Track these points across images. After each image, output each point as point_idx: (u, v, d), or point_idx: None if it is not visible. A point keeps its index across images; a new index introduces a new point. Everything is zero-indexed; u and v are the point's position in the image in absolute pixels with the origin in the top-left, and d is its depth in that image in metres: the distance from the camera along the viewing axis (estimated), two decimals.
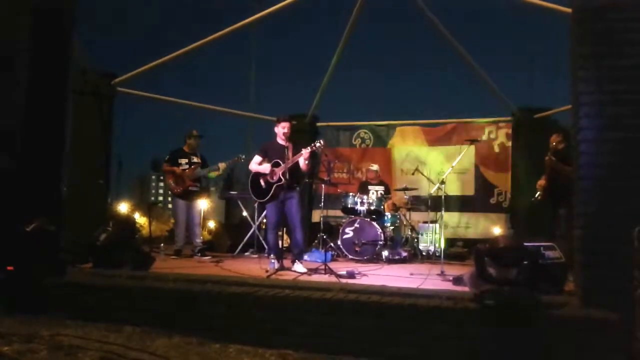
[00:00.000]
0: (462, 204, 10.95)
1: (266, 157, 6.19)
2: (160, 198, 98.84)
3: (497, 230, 10.60)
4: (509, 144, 10.95)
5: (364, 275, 5.81)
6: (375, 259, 7.76)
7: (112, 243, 5.15)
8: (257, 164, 6.22)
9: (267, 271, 5.72)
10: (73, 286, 4.50)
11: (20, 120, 5.00)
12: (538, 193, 7.17)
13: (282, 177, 5.94)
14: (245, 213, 8.46)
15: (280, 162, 6.01)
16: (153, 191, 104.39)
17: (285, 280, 4.95)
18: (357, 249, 7.82)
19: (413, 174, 9.95)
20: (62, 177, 5.43)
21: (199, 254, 7.54)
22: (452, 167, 7.37)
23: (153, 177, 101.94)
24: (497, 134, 11.12)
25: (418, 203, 9.81)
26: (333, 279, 5.25)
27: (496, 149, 11.06)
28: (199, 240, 7.72)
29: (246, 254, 8.21)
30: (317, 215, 10.49)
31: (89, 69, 8.63)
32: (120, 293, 4.40)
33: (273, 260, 6.08)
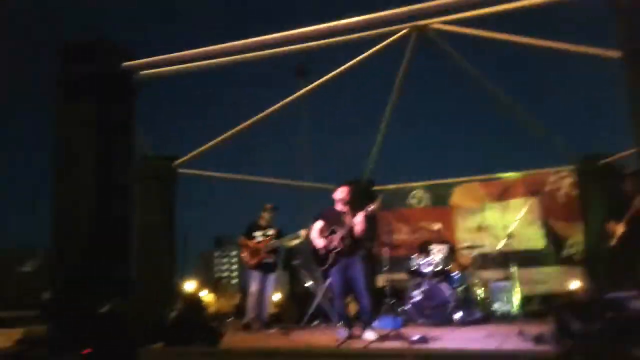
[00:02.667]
0: (532, 258, 10.46)
1: (326, 224, 6.19)
2: (225, 274, 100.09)
3: (574, 284, 10.01)
4: (574, 192, 10.54)
5: (437, 339, 5.56)
6: (447, 322, 7.43)
7: (181, 321, 5.21)
8: (318, 230, 6.20)
9: (337, 340, 5.58)
10: None
11: (89, 209, 5.25)
12: (613, 239, 6.80)
13: (340, 243, 5.91)
14: (309, 283, 8.37)
15: (336, 230, 5.99)
16: (216, 267, 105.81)
17: (356, 349, 4.81)
18: (426, 312, 7.54)
19: (478, 231, 9.67)
20: (131, 259, 5.61)
21: (267, 327, 7.48)
22: (516, 220, 7.11)
23: (216, 253, 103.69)
24: (560, 184, 10.75)
25: (486, 261, 9.47)
26: (405, 345, 5.06)
27: (561, 199, 10.66)
28: (266, 312, 7.69)
29: (314, 323, 8.07)
30: (381, 280, 10.29)
31: (149, 154, 9.05)
32: None
33: (342, 329, 5.93)
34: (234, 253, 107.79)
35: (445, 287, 7.62)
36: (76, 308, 4.80)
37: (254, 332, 7.33)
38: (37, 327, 8.23)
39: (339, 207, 6.22)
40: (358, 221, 5.88)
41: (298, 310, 8.61)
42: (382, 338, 5.48)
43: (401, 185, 12.20)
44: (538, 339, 4.86)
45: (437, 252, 8.35)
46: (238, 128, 8.99)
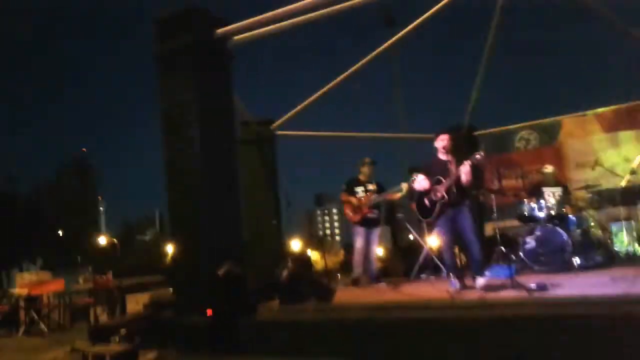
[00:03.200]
0: None
1: (429, 175, 6.00)
2: (328, 232, 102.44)
3: None
4: None
5: (557, 285, 5.27)
6: (566, 268, 7.03)
7: (293, 279, 5.32)
8: (422, 181, 6.02)
9: (449, 292, 5.47)
10: (265, 324, 4.71)
11: (199, 175, 5.46)
12: None
13: (446, 194, 5.71)
14: (412, 236, 8.26)
15: (442, 179, 5.78)
16: (320, 225, 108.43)
17: (472, 299, 4.68)
18: (542, 259, 7.17)
19: (593, 168, 8.97)
20: (241, 221, 5.80)
21: (376, 281, 7.51)
22: None
23: (318, 212, 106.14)
24: None
25: (604, 200, 8.80)
26: (523, 293, 4.84)
27: None
28: (375, 266, 7.70)
29: (422, 276, 7.98)
30: (489, 228, 9.94)
31: (249, 119, 9.25)
32: (309, 327, 4.49)
33: (453, 280, 5.80)
34: (335, 210, 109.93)
35: (561, 231, 7.18)
36: (195, 272, 5.05)
37: (363, 287, 7.39)
38: (163, 292, 8.92)
39: (442, 155, 6.00)
40: (464, 170, 5.64)
41: (403, 263, 8.56)
42: (498, 287, 5.28)
43: (505, 128, 11.58)
44: None
45: (551, 195, 7.86)
46: (330, 85, 8.94)
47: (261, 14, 5.81)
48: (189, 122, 5.53)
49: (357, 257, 7.60)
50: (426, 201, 5.88)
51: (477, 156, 5.66)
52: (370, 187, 7.71)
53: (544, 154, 10.71)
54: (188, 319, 5.00)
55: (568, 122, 10.83)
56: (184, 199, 5.58)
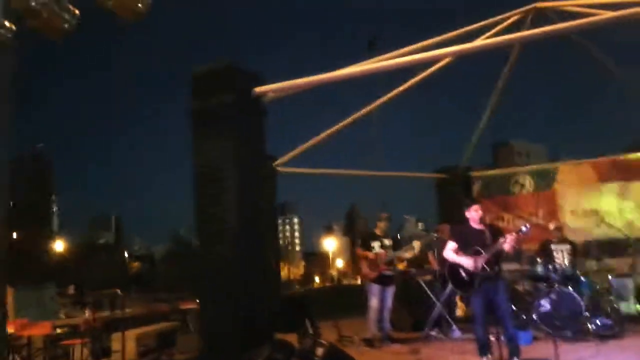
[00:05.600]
0: None
1: (460, 243, 5.79)
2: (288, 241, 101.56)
3: None
4: None
5: None
6: (582, 333, 6.96)
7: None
8: (453, 251, 5.81)
9: None
10: None
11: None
12: None
13: (486, 266, 5.52)
14: (427, 291, 8.03)
15: (481, 250, 5.58)
16: (280, 235, 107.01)
17: None
18: (557, 323, 7.06)
19: (599, 225, 9.02)
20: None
21: (389, 341, 7.27)
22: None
23: (279, 220, 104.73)
24: None
25: (599, 250, 8.86)
26: None
27: None
28: (388, 325, 7.45)
29: (432, 333, 7.78)
30: None
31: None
32: None
33: (486, 357, 5.58)
34: (295, 220, 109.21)
35: (576, 295, 7.12)
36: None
37: (378, 348, 7.14)
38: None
39: (476, 225, 5.81)
40: (510, 242, 5.47)
41: (411, 317, 8.35)
42: None
43: (504, 171, 11.63)
44: None
45: (560, 254, 7.81)
46: (329, 131, 9.02)
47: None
48: (226, 177, 5.29)
49: (372, 316, 7.31)
50: (462, 273, 5.65)
51: (524, 229, 5.51)
52: (387, 242, 7.48)
53: (540, 199, 10.77)
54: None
55: (564, 168, 10.92)
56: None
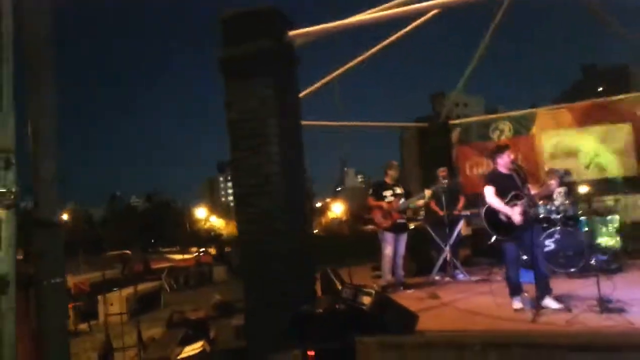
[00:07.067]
0: (626, 186, 10.21)
1: (497, 188, 5.74)
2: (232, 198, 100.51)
3: None
4: None
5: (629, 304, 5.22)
6: (586, 269, 7.23)
7: (380, 307, 4.88)
8: (493, 195, 5.72)
9: (516, 310, 5.45)
10: None
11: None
12: None
13: (524, 215, 5.50)
14: (434, 237, 8.08)
15: (520, 194, 5.57)
16: (223, 192, 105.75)
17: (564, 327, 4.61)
18: (562, 261, 7.35)
19: (588, 167, 9.32)
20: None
21: (403, 287, 7.32)
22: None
23: (221, 179, 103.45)
24: None
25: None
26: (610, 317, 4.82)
27: None
28: (402, 273, 7.48)
29: (437, 277, 7.90)
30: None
31: None
32: None
33: (516, 298, 5.66)
34: None
35: (580, 233, 7.40)
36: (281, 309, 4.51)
37: (392, 294, 7.14)
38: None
39: (506, 170, 5.77)
40: (554, 186, 5.55)
41: (413, 263, 8.43)
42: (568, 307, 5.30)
43: (480, 118, 11.77)
44: None
45: (560, 196, 8.01)
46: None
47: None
48: (268, 126, 4.95)
49: (387, 264, 7.30)
50: (503, 217, 5.63)
51: (566, 173, 5.54)
52: (399, 190, 7.41)
53: (519, 144, 11.01)
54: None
55: (542, 114, 11.17)
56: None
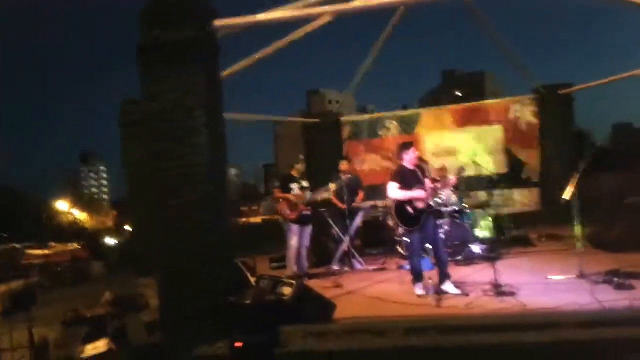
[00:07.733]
0: (498, 181, 11.29)
1: (402, 184, 6.10)
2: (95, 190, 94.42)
3: None
4: (536, 121, 11.38)
5: (517, 287, 5.74)
6: (471, 257, 7.93)
7: (300, 298, 4.98)
8: (397, 190, 6.07)
9: (419, 296, 5.85)
10: (301, 355, 4.38)
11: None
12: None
13: (427, 204, 5.97)
14: (335, 229, 8.34)
15: (422, 188, 5.99)
16: (85, 184, 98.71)
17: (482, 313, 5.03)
18: (449, 250, 7.97)
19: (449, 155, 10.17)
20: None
21: (306, 278, 7.48)
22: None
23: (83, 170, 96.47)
24: (522, 112, 11.48)
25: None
26: (508, 300, 5.33)
27: (523, 127, 11.46)
28: (306, 264, 7.63)
29: (335, 267, 8.17)
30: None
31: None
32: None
33: (422, 286, 6.07)
34: (102, 168, 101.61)
35: (466, 225, 8.10)
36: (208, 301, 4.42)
37: None
38: None
39: (410, 166, 6.17)
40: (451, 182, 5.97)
41: (312, 254, 8.63)
42: (465, 291, 5.80)
43: (370, 116, 12.35)
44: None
45: (446, 190, 8.67)
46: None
47: None
48: (196, 125, 4.75)
49: (292, 255, 7.43)
50: (409, 209, 5.99)
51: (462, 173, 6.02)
52: (304, 183, 7.56)
53: (403, 141, 11.69)
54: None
55: (425, 114, 12.01)
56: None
